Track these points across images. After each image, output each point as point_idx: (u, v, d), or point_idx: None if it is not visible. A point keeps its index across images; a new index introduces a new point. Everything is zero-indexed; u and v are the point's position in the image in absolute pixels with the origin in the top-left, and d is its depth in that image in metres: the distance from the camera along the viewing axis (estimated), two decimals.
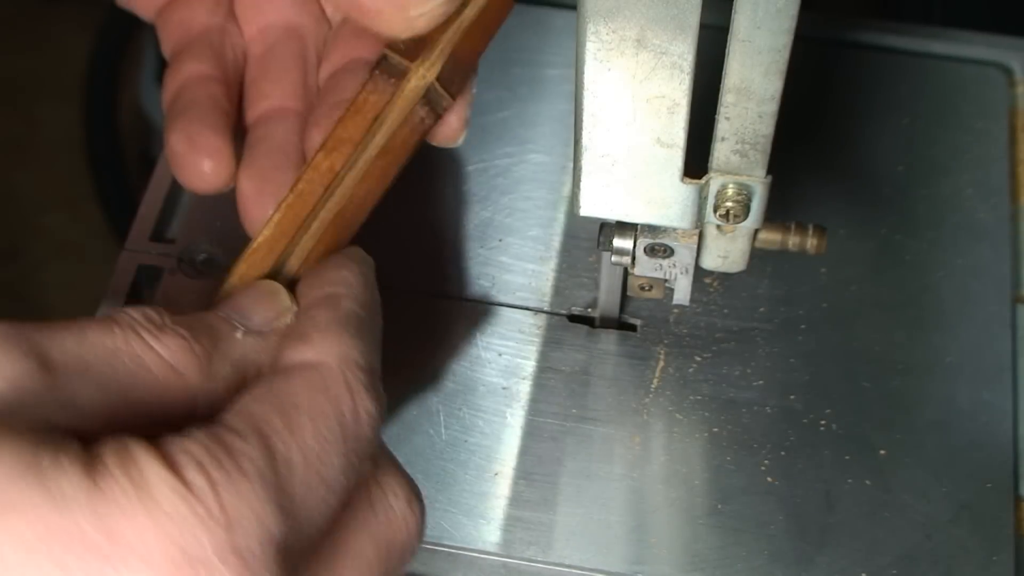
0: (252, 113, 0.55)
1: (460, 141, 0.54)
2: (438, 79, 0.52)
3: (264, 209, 0.52)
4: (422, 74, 0.52)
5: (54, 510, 0.36)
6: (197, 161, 0.52)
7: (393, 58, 0.52)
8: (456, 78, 0.53)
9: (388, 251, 0.62)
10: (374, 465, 0.43)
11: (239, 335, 0.44)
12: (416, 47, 0.52)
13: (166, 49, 0.57)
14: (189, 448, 0.38)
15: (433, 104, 0.52)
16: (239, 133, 0.55)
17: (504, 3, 0.54)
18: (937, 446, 0.58)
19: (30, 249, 1.53)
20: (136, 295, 0.61)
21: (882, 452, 0.57)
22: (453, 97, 0.53)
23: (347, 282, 0.47)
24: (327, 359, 0.43)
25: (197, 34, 0.56)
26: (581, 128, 0.49)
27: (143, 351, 0.41)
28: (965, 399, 0.59)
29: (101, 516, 0.36)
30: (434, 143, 0.54)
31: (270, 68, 0.55)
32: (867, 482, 0.57)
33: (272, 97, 0.55)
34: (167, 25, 0.57)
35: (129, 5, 0.57)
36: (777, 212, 0.53)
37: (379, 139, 0.51)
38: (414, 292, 0.61)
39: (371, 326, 0.46)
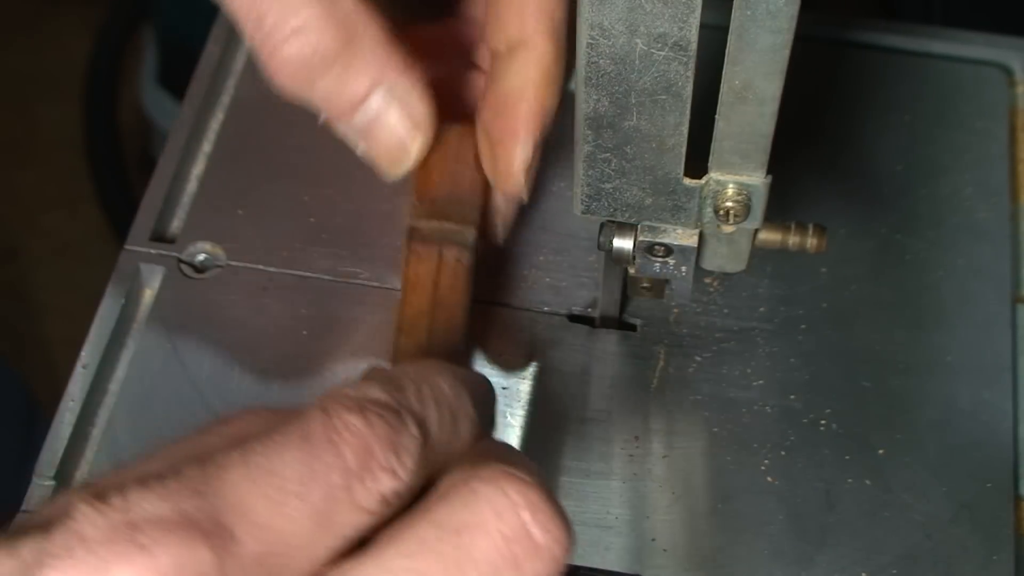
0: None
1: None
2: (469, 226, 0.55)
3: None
4: (457, 232, 0.55)
5: None
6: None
7: (420, 224, 0.54)
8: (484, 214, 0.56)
9: (390, 251, 0.62)
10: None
11: None
12: (435, 204, 0.55)
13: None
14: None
15: (475, 245, 0.55)
16: None
17: None
18: (937, 446, 0.58)
19: (29, 249, 1.54)
20: (136, 295, 0.61)
21: (882, 452, 0.57)
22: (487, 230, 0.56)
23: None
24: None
25: None
26: (581, 128, 0.49)
27: None
28: (965, 399, 0.59)
29: None
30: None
31: None
32: (867, 482, 0.57)
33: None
34: None
35: None
36: (777, 212, 0.53)
37: (447, 296, 0.54)
38: None
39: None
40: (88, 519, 0.36)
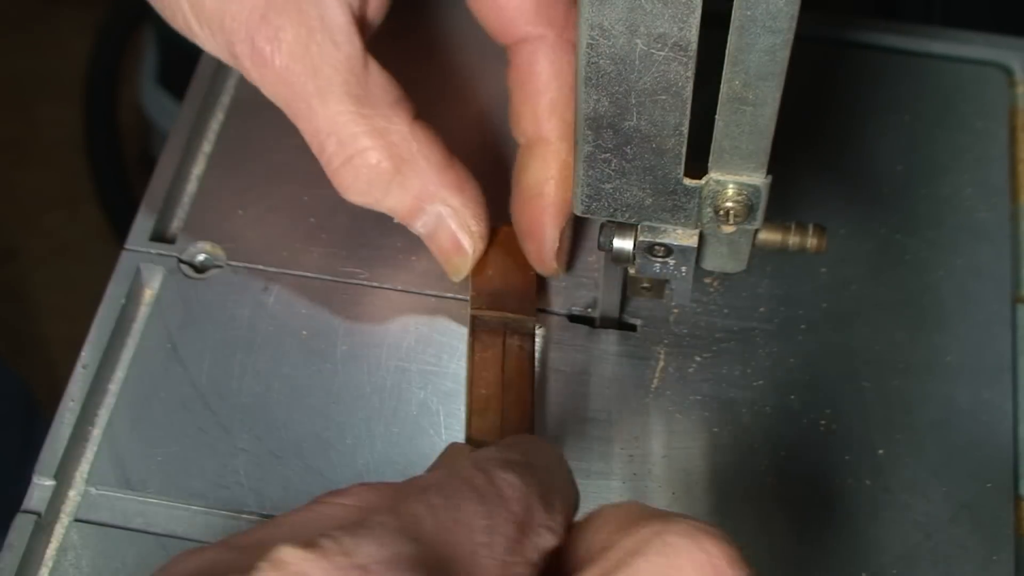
0: None
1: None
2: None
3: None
4: (518, 321, 0.58)
5: None
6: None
7: (482, 315, 0.58)
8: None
9: (390, 251, 0.62)
10: None
11: None
12: (493, 296, 0.59)
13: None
14: None
15: (532, 328, 0.58)
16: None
17: None
18: (937, 446, 0.58)
19: (29, 249, 1.54)
20: (136, 295, 0.61)
21: (882, 452, 0.57)
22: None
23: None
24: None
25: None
26: (581, 128, 0.49)
27: None
28: (965, 399, 0.59)
29: None
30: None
31: None
32: (867, 482, 0.57)
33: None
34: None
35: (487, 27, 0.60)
36: (777, 212, 0.53)
37: (515, 379, 0.56)
38: (414, 292, 0.61)
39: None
40: (310, 563, 0.36)
